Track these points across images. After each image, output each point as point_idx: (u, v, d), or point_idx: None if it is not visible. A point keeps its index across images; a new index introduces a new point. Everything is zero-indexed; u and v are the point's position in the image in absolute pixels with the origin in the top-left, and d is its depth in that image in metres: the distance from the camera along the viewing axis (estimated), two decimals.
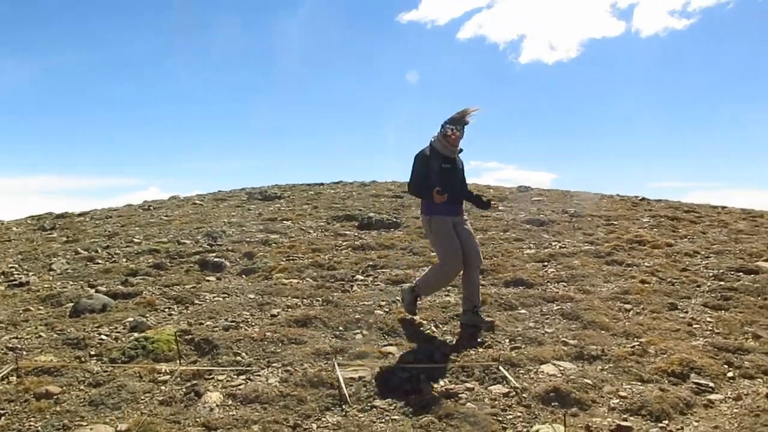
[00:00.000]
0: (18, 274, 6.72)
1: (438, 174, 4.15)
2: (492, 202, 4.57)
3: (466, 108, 4.23)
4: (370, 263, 6.46)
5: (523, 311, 4.80)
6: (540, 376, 3.52)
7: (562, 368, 3.59)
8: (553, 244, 7.46)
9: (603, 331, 4.25)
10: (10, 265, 7.19)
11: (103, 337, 4.36)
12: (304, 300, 5.24)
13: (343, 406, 3.21)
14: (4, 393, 3.39)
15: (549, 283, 5.57)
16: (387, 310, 4.85)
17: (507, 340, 4.14)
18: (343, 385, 3.37)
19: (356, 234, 8.28)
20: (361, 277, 5.96)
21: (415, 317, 4.60)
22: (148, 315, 4.91)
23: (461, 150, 4.34)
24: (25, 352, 4.08)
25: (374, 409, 3.18)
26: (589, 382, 3.38)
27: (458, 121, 4.17)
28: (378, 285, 5.66)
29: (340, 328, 4.50)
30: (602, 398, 3.23)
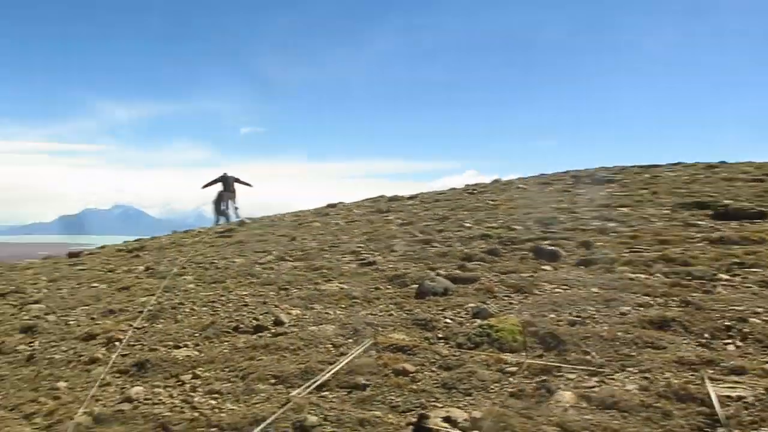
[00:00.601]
0: (365, 254, 8.41)
1: None
2: None
3: None
4: (735, 260, 6.03)
5: None
6: None
7: None
8: None
9: None
10: (358, 245, 9.07)
11: (448, 320, 5.13)
12: (657, 298, 5.14)
13: (719, 430, 3.07)
14: (367, 366, 4.30)
15: None
16: (766, 318, 4.43)
17: None
18: (717, 403, 3.21)
19: (711, 225, 7.88)
20: (725, 276, 5.61)
21: None
22: (488, 302, 5.53)
23: None
24: (380, 329, 5.25)
25: None
26: None
27: None
28: (749, 287, 5.22)
29: (706, 335, 4.28)
30: None
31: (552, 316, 4.98)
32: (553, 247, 7.17)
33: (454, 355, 4.42)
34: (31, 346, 5.97)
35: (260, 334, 5.46)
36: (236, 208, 19.78)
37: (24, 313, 7.37)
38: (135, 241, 15.57)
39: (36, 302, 7.83)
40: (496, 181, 16.86)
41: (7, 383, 5.00)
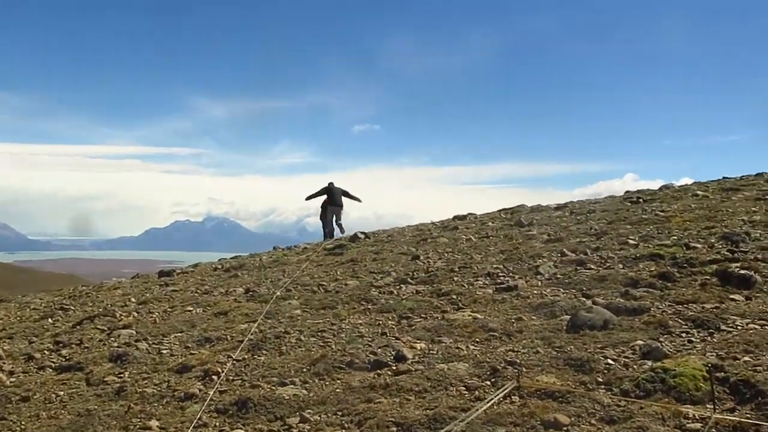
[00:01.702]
0: (504, 276, 8.43)
1: None
2: None
3: None
4: None
5: None
6: None
7: None
8: None
9: None
10: (494, 266, 9.09)
11: (610, 361, 5.05)
12: None
13: None
14: (510, 415, 4.34)
15: None
16: None
17: None
18: None
19: None
20: None
21: None
22: (661, 339, 5.39)
23: None
24: (524, 369, 5.24)
25: None
26: None
27: None
28: None
29: None
30: None
31: (746, 359, 4.77)
32: (744, 271, 6.84)
33: (619, 405, 4.35)
34: (121, 378, 6.57)
35: (379, 371, 5.66)
36: (340, 225, 20.49)
37: (113, 339, 8.14)
38: (232, 258, 16.60)
39: (126, 327, 8.61)
40: (665, 186, 16.17)
41: (95, 419, 5.51)
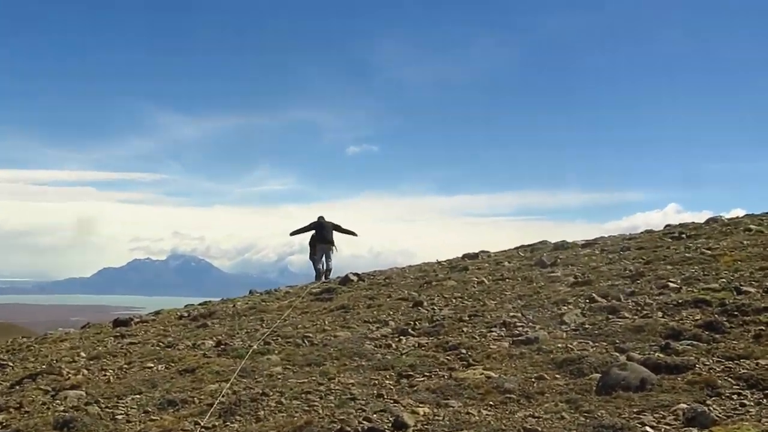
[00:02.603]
0: (522, 327, 8.44)
1: None
2: None
3: None
4: None
5: None
6: None
7: None
8: None
9: None
10: (511, 314, 9.11)
11: (648, 429, 5.02)
12: None
13: None
14: None
15: None
16: None
17: None
18: None
19: None
20: None
21: None
22: (709, 402, 5.36)
23: None
24: None
25: None
26: None
27: None
28: None
29: None
30: None
31: None
32: None
33: None
34: None
35: None
36: (328, 267, 20.57)
37: (59, 402, 8.08)
38: (201, 304, 16.56)
39: (74, 387, 8.55)
40: (712, 219, 16.24)
41: None
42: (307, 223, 21.16)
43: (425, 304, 10.86)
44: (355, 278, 15.42)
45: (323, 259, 20.75)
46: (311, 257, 20.96)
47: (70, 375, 9.39)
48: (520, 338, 7.98)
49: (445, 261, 17.49)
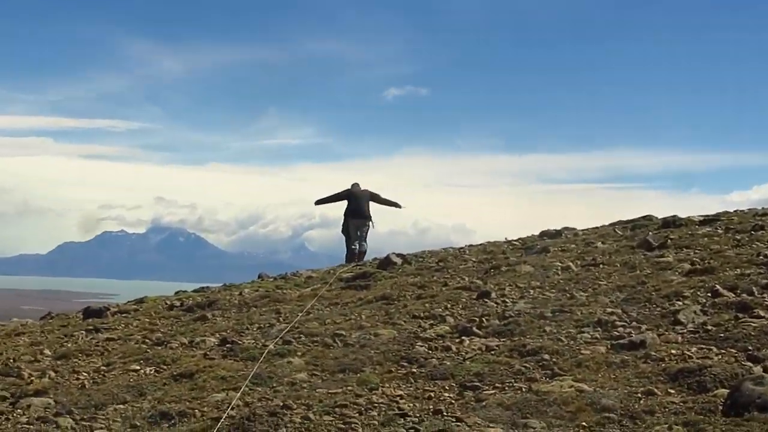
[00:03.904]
0: (623, 327, 8.47)
1: None
2: None
3: None
4: None
5: None
6: None
7: None
8: None
9: None
10: (609, 310, 9.16)
11: None
12: None
13: None
14: None
15: None
16: None
17: None
18: None
19: None
20: None
21: None
22: None
23: None
24: None
25: None
26: None
27: None
28: None
29: None
30: None
31: None
32: None
33: None
34: None
35: None
36: (362, 250, 20.55)
37: (21, 412, 8.21)
38: (197, 291, 16.71)
39: (39, 393, 8.71)
40: None
41: None
42: (337, 191, 21.20)
43: (493, 295, 10.89)
44: (398, 260, 15.45)
45: (357, 235, 20.79)
46: (344, 231, 21.05)
47: (33, 378, 9.51)
48: (620, 341, 8.00)
49: (516, 240, 17.45)
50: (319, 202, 21.46)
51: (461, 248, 17.71)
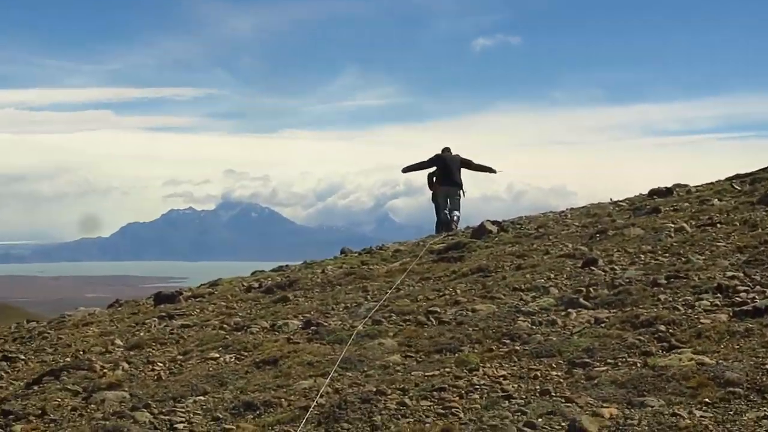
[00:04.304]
0: (746, 292, 8.42)
1: None
2: None
3: None
4: None
5: None
6: None
7: None
8: None
9: None
10: (729, 274, 9.12)
11: None
12: None
13: None
14: None
15: None
16: None
17: None
18: None
19: None
20: None
21: None
22: None
23: None
24: None
25: None
26: None
27: None
28: None
29: None
30: None
31: None
32: None
33: None
34: None
35: None
36: (453, 218, 20.66)
37: (95, 407, 8.46)
38: (275, 270, 16.90)
39: (113, 387, 8.95)
40: None
41: None
42: (427, 159, 21.34)
43: (601, 262, 10.90)
44: (494, 228, 15.50)
45: (447, 205, 20.92)
46: (434, 199, 21.20)
47: (105, 370, 9.77)
48: (744, 308, 7.94)
49: (623, 201, 17.35)
50: (406, 170, 21.66)
51: (562, 212, 17.69)
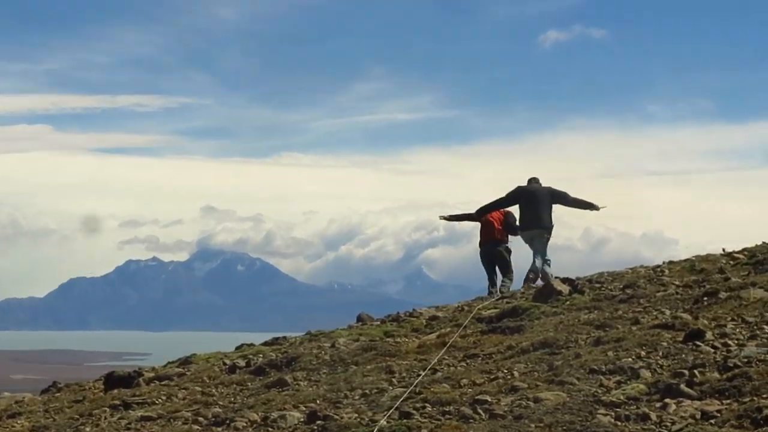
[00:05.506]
0: None
1: None
2: None
3: None
4: None
5: None
6: None
7: None
8: None
9: None
10: None
11: None
12: None
13: None
14: None
15: None
16: None
17: None
18: None
19: None
20: None
21: None
22: None
23: None
24: None
25: None
26: None
27: None
28: None
29: None
30: None
31: None
32: None
33: None
34: None
35: None
36: (541, 269, 20.61)
37: None
38: (269, 344, 16.96)
39: None
40: None
41: None
42: (506, 193, 21.32)
43: (709, 335, 10.86)
44: (565, 288, 15.54)
45: (535, 254, 20.90)
46: (502, 250, 21.21)
47: None
48: None
49: (740, 252, 17.35)
50: (481, 211, 21.54)
51: (657, 267, 17.71)
